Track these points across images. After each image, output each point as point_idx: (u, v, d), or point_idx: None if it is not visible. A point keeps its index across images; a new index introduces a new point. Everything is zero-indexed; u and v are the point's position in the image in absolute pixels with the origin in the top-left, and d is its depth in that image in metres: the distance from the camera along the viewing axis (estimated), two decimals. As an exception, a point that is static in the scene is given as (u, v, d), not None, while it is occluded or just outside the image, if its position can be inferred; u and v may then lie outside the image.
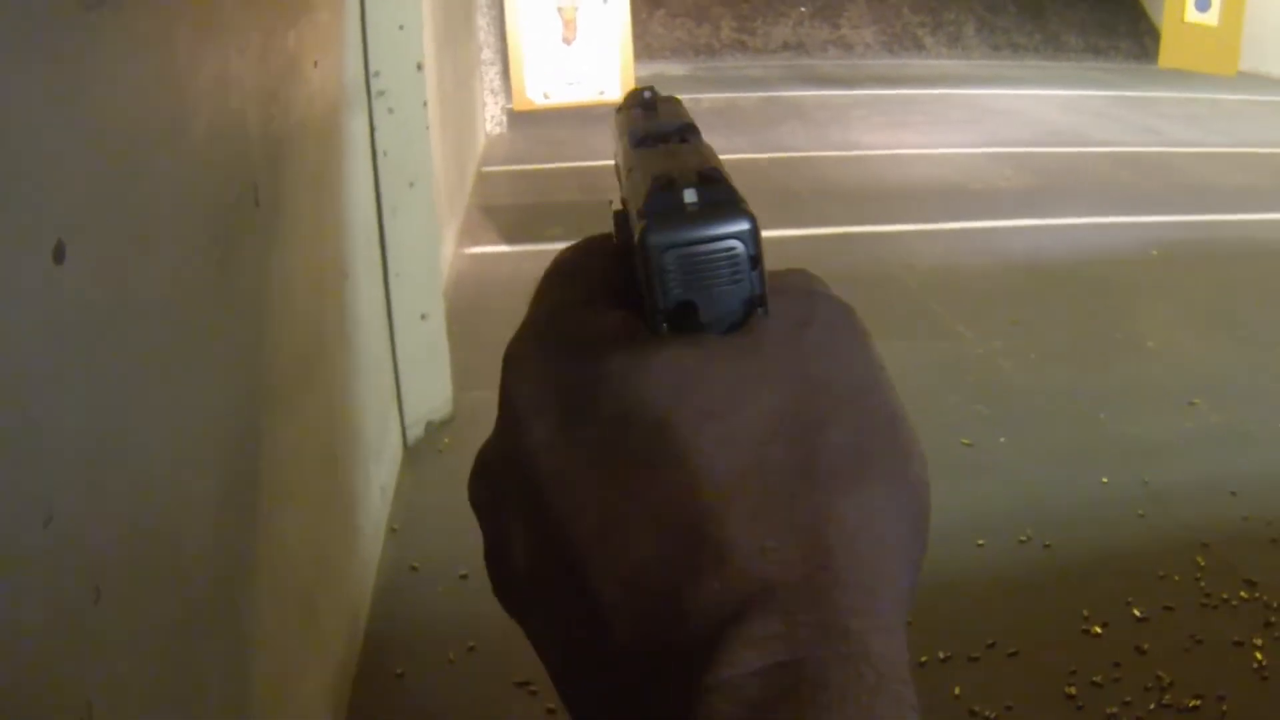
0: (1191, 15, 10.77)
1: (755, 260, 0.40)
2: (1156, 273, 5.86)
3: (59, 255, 1.00)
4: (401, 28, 3.32)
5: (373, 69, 3.27)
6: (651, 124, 0.53)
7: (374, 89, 3.28)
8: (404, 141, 3.38)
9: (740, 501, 0.39)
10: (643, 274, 0.40)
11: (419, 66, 3.40)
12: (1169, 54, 10.89)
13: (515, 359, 0.47)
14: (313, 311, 2.32)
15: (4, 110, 0.93)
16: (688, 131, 0.51)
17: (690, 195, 0.40)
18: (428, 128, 3.49)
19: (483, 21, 9.31)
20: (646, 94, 0.55)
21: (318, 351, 2.38)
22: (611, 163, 0.57)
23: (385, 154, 3.34)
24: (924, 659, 2.62)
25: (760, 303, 0.41)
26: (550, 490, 0.42)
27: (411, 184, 3.43)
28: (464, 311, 4.61)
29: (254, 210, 1.75)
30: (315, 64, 2.35)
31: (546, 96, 6.43)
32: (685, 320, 0.41)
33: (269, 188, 1.84)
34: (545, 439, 0.43)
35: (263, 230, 1.82)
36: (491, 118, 9.54)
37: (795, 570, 0.37)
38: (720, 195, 0.40)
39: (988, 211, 6.97)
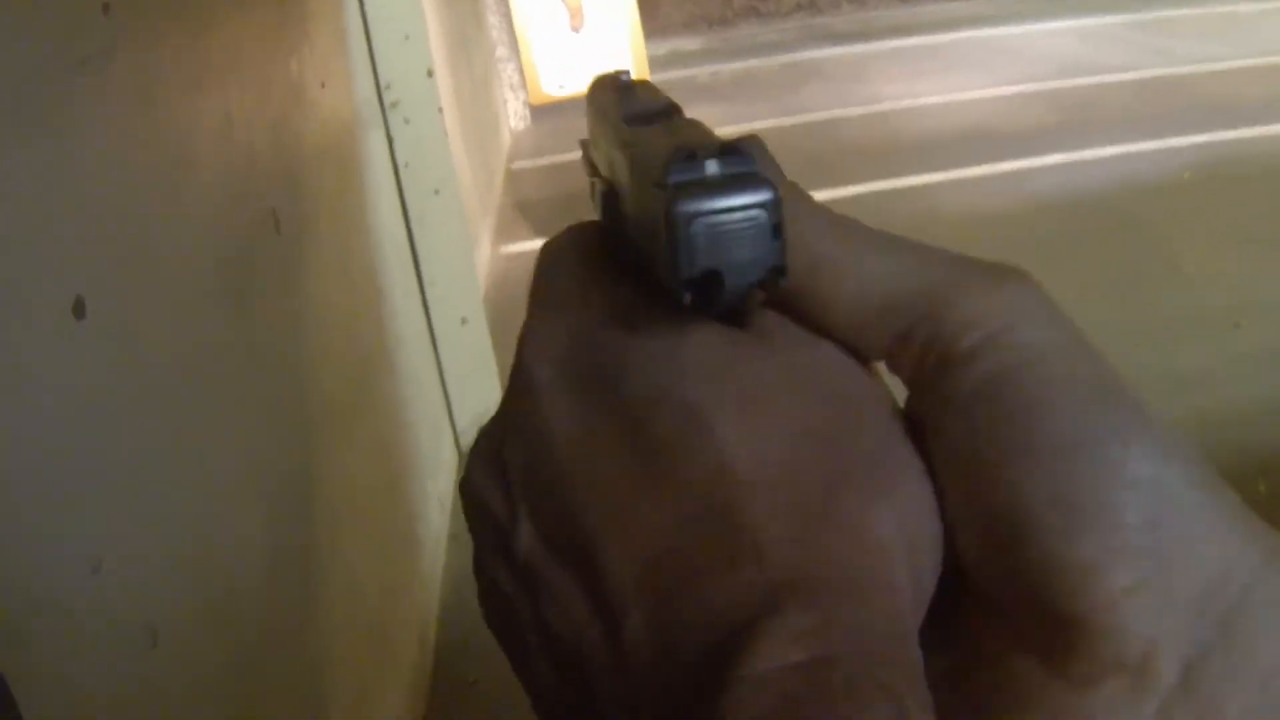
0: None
1: (778, 230, 0.41)
2: (1189, 196, 5.79)
3: (79, 311, 1.01)
4: (407, 37, 3.33)
5: (383, 82, 3.27)
6: (638, 105, 0.53)
7: (387, 101, 3.29)
8: (423, 150, 3.39)
9: (774, 494, 0.39)
10: (666, 244, 0.41)
11: (430, 73, 3.40)
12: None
13: (531, 339, 0.47)
14: (352, 333, 2.33)
15: (9, 172, 0.94)
16: (674, 111, 0.52)
17: (713, 166, 0.41)
18: (446, 134, 3.50)
19: (494, 19, 9.30)
20: (624, 77, 0.56)
21: (362, 373, 2.39)
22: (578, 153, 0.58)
23: (406, 165, 3.35)
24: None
25: (782, 273, 0.41)
26: (569, 469, 0.42)
27: (436, 191, 3.44)
28: (506, 311, 4.61)
29: (276, 239, 1.76)
30: (323, 85, 2.36)
31: (562, 88, 6.43)
32: (708, 290, 0.42)
33: (289, 214, 1.85)
34: (566, 417, 0.43)
35: (288, 258, 1.83)
36: (515, 113, 9.54)
37: (830, 567, 0.37)
38: (742, 166, 0.41)
39: (1013, 152, 6.91)
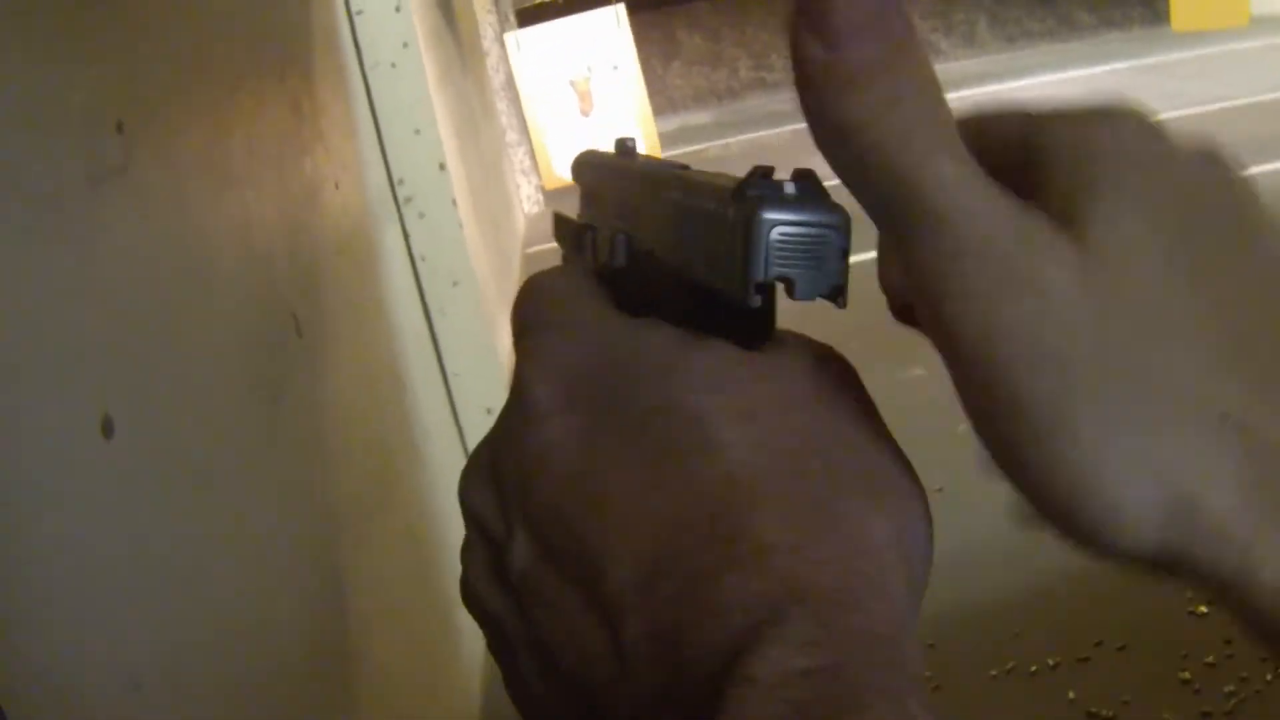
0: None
1: (845, 253, 0.42)
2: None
3: (108, 430, 1.02)
4: (418, 132, 3.36)
5: (396, 178, 3.30)
6: (651, 163, 0.55)
7: (401, 197, 3.31)
8: (439, 243, 3.41)
9: (775, 501, 0.39)
10: (741, 249, 0.43)
11: (442, 166, 3.43)
12: (1181, 17, 10.88)
13: (528, 357, 0.48)
14: (376, 430, 2.34)
15: (31, 295, 0.95)
16: (687, 167, 0.53)
17: (790, 186, 0.43)
18: (461, 225, 3.52)
19: (502, 105, 9.39)
20: (629, 142, 0.58)
21: (388, 470, 2.40)
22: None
23: (423, 259, 3.37)
24: (1034, 668, 2.59)
25: (842, 292, 0.43)
26: (569, 480, 0.42)
27: (455, 283, 3.46)
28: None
29: (298, 342, 1.77)
30: (337, 185, 2.38)
31: (574, 170, 6.46)
32: (769, 301, 0.43)
33: (309, 316, 1.86)
34: (565, 430, 0.44)
35: (310, 360, 1.84)
36: (528, 197, 9.61)
37: (831, 574, 0.37)
38: (816, 189, 0.43)
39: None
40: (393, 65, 3.30)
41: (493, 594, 0.45)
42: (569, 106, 6.66)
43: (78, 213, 1.07)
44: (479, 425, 3.55)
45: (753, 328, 0.44)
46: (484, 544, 0.46)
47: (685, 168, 0.51)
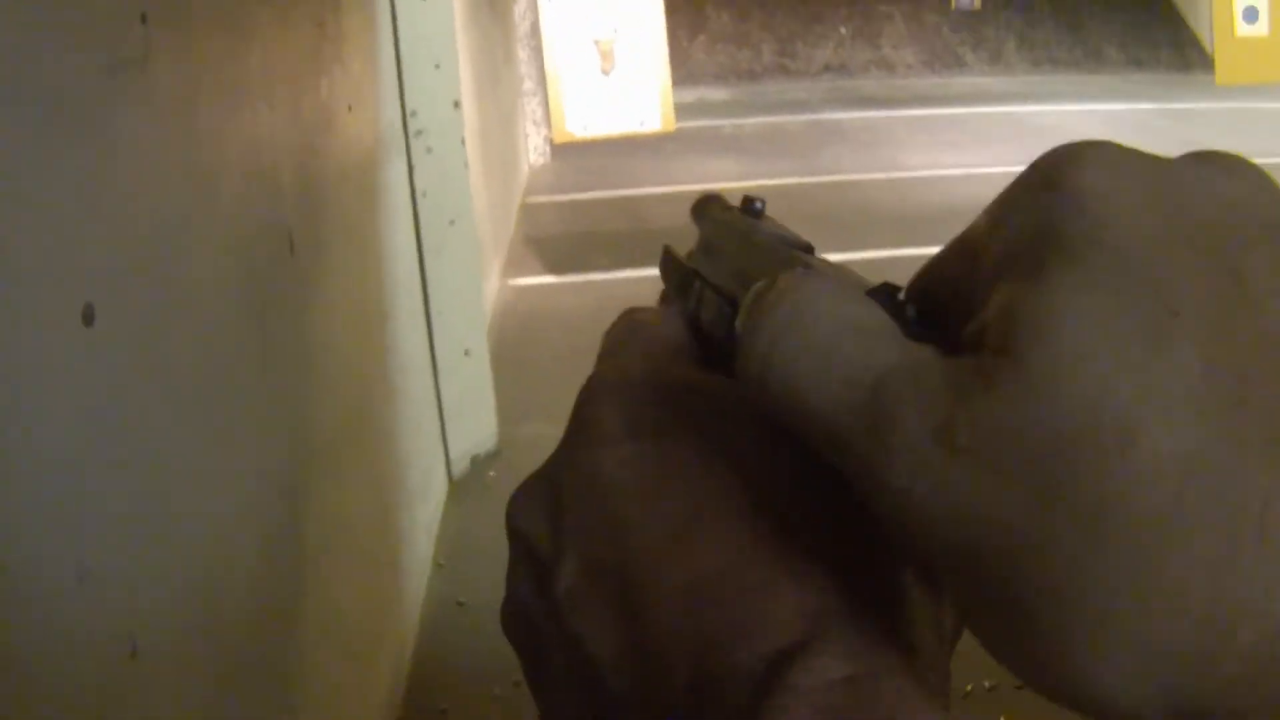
0: (1242, 29, 10.73)
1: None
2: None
3: (88, 318, 1.02)
4: (438, 66, 3.35)
5: (410, 109, 3.29)
6: (777, 232, 0.55)
7: (411, 129, 3.30)
8: (443, 180, 3.40)
9: (811, 531, 0.41)
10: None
11: (456, 104, 3.42)
12: (1225, 71, 10.83)
13: (596, 385, 0.48)
14: (356, 358, 2.33)
15: (30, 180, 0.94)
16: (811, 249, 0.53)
17: (911, 310, 0.42)
18: (466, 165, 3.51)
19: (523, 54, 9.35)
20: (757, 204, 0.58)
21: (363, 401, 2.40)
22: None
23: (424, 194, 3.36)
24: (969, 688, 2.60)
25: None
26: (622, 500, 0.43)
27: (452, 222, 3.45)
28: (510, 344, 4.63)
29: (290, 260, 1.76)
30: (350, 109, 2.37)
31: (586, 128, 6.45)
32: None
33: (306, 236, 1.86)
34: (623, 461, 0.45)
35: (300, 281, 1.84)
36: (535, 148, 9.59)
37: (869, 586, 0.39)
38: (934, 318, 0.42)
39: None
40: (419, -1, 3.29)
41: (536, 612, 0.46)
42: (590, 63, 6.60)
43: (91, 102, 1.07)
44: (455, 367, 3.55)
45: None
46: (529, 564, 0.47)
47: (810, 249, 0.51)
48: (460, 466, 3.62)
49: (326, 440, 1.95)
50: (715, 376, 0.47)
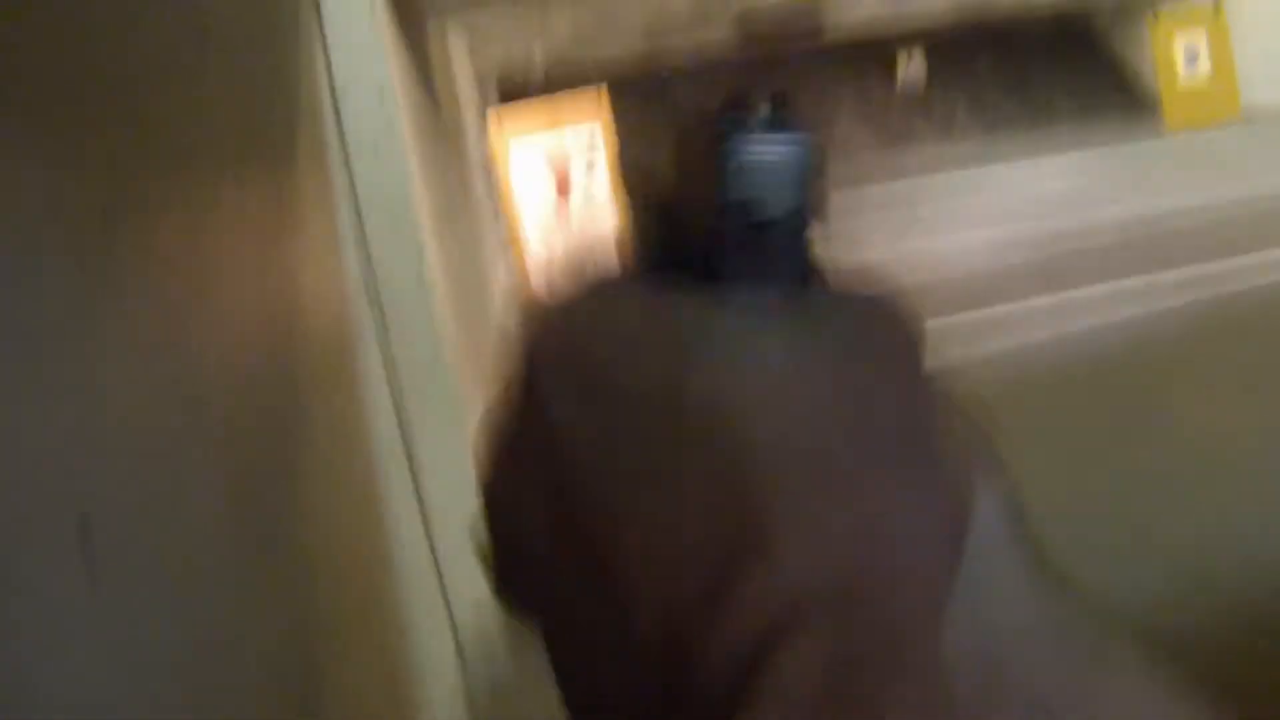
0: (1184, 76, 10.94)
1: (813, 171, 0.45)
2: (1184, 339, 5.82)
3: (85, 532, 1.01)
4: (397, 216, 3.36)
5: (375, 259, 3.30)
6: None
7: (379, 280, 3.31)
8: (414, 329, 3.40)
9: (795, 491, 0.40)
10: (717, 175, 0.45)
11: (419, 250, 3.43)
12: (1173, 117, 11.07)
13: (540, 351, 0.48)
14: (350, 532, 2.32)
15: (24, 398, 0.94)
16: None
17: (761, 112, 0.45)
18: (436, 311, 3.52)
19: (480, 181, 9.44)
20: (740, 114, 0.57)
21: (364, 577, 2.38)
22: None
23: (398, 345, 3.36)
24: None
25: (803, 211, 0.45)
26: (586, 470, 0.43)
27: (429, 369, 3.45)
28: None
29: (279, 446, 1.76)
30: (314, 273, 2.38)
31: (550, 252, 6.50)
32: (745, 218, 0.46)
33: (288, 418, 1.85)
34: (578, 418, 0.44)
35: (290, 466, 1.83)
36: (503, 273, 9.65)
37: (850, 568, 0.39)
38: (785, 114, 0.45)
39: (999, 298, 6.97)
40: (375, 149, 3.30)
41: (521, 578, 0.47)
42: (545, 184, 6.70)
43: (64, 312, 1.07)
44: (446, 525, 3.52)
45: (787, 269, 0.45)
46: (507, 533, 0.48)
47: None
48: (466, 632, 3.59)
49: (330, 622, 1.93)
50: (660, 294, 0.47)
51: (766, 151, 0.44)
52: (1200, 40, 11.13)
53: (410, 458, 3.40)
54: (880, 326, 0.44)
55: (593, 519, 0.42)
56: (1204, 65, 10.94)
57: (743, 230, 0.45)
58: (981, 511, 0.43)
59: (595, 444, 0.43)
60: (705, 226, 0.45)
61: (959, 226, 9.87)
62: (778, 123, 0.45)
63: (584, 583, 0.42)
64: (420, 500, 3.43)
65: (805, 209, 0.44)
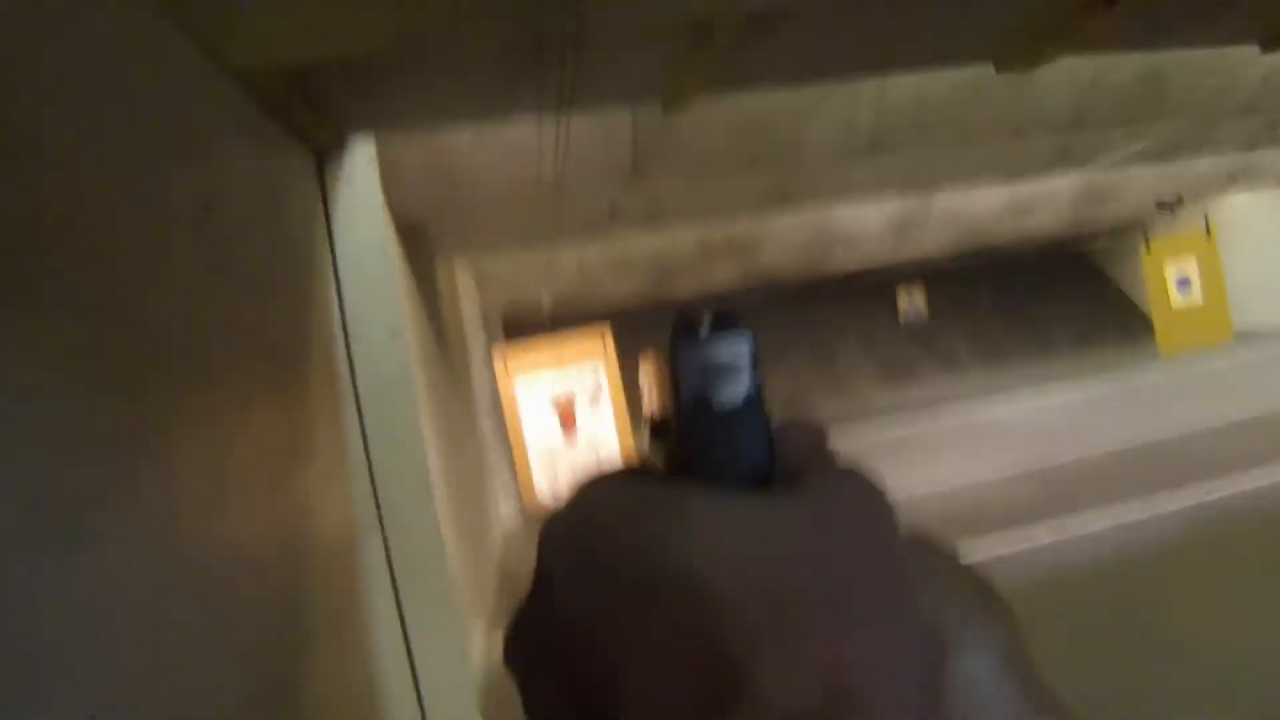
0: (1177, 301, 11.03)
1: (754, 362, 0.52)
2: (1187, 560, 5.80)
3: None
4: (405, 450, 3.41)
5: (381, 493, 3.34)
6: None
7: (385, 510, 3.34)
8: (419, 559, 3.42)
9: (769, 635, 0.46)
10: (677, 379, 0.52)
11: (426, 486, 3.47)
12: (1167, 343, 11.11)
13: (548, 536, 0.54)
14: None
15: (35, 605, 0.98)
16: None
17: (705, 320, 0.53)
18: (442, 543, 3.54)
19: (486, 422, 9.45)
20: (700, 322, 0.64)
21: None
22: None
23: (403, 573, 3.37)
24: None
25: (759, 394, 0.52)
26: (583, 644, 0.49)
27: (433, 598, 3.46)
28: (504, 700, 4.57)
29: (287, 662, 1.77)
30: (323, 495, 2.41)
31: (556, 489, 6.49)
32: (703, 409, 0.53)
33: (296, 634, 1.87)
34: (576, 597, 0.50)
35: (293, 664, 1.84)
36: (507, 516, 9.59)
37: (829, 694, 0.43)
38: (726, 322, 0.53)
39: (1000, 528, 6.95)
40: (385, 388, 3.37)
41: None
42: (551, 425, 6.73)
43: (86, 530, 1.11)
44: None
45: (754, 450, 0.52)
46: (530, 705, 0.53)
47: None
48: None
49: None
50: (655, 487, 0.53)
51: (715, 352, 0.52)
52: (1192, 267, 11.27)
53: (416, 685, 3.38)
54: (851, 496, 0.50)
55: (595, 686, 0.48)
56: (1196, 290, 11.04)
57: (707, 422, 0.52)
58: (974, 657, 0.49)
59: (590, 616, 0.49)
60: (677, 428, 0.53)
61: (962, 455, 9.85)
62: (721, 327, 0.53)
63: None
64: (422, 709, 3.39)
65: (760, 395, 0.52)
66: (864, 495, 0.51)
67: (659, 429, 0.59)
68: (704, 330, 0.52)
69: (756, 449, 0.53)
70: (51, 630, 1.02)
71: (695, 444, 0.52)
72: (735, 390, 0.52)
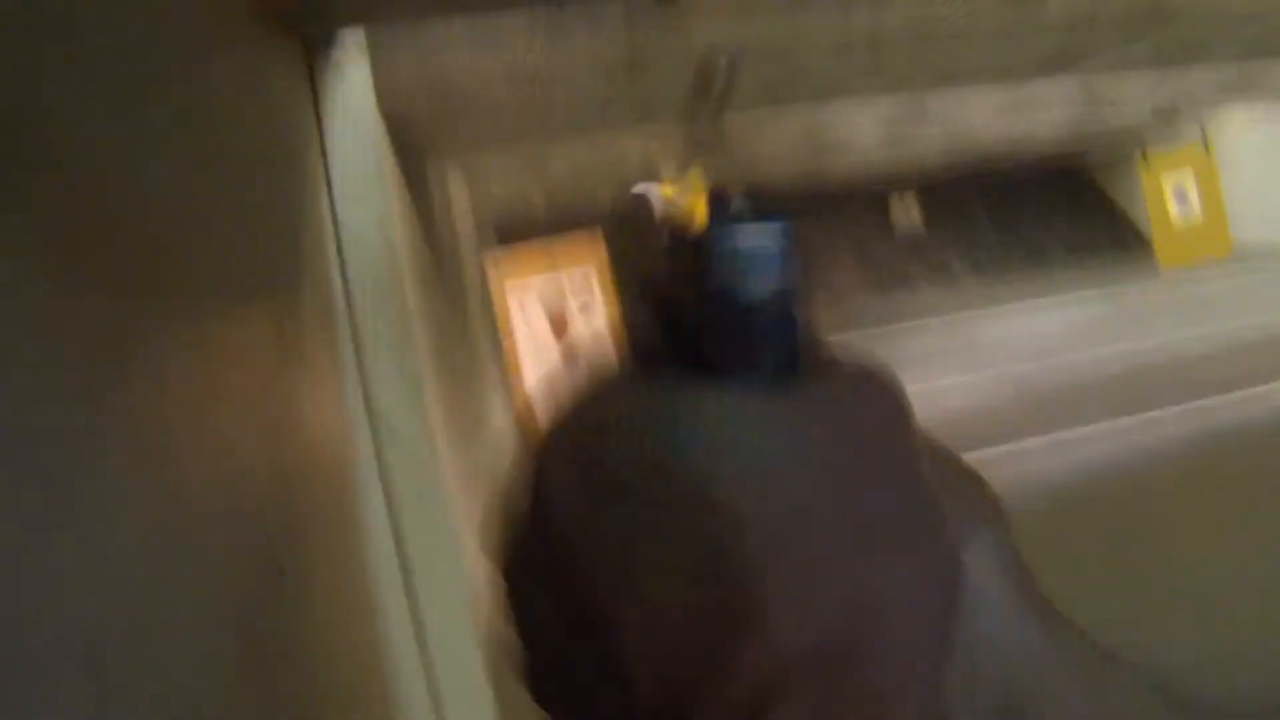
0: (1176, 216, 11.07)
1: (788, 254, 0.47)
2: (1181, 475, 5.82)
3: (98, 672, 1.00)
4: (396, 350, 3.37)
5: (372, 395, 3.30)
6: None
7: (376, 414, 3.31)
8: (412, 462, 3.40)
9: (783, 568, 0.42)
10: (701, 264, 0.48)
11: (418, 386, 3.43)
12: (1166, 256, 11.17)
13: (547, 450, 0.50)
14: (347, 670, 2.30)
15: (23, 541, 0.93)
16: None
17: (739, 202, 0.48)
18: (434, 446, 3.52)
19: (478, 323, 9.48)
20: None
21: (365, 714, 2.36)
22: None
23: (396, 478, 3.35)
24: None
25: (786, 294, 0.47)
26: (586, 557, 0.45)
27: (425, 503, 3.44)
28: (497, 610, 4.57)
29: (280, 581, 1.74)
30: (315, 405, 2.38)
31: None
32: (731, 304, 0.48)
33: (291, 551, 1.84)
34: (579, 511, 0.46)
35: (291, 598, 1.82)
36: (499, 413, 9.65)
37: (835, 638, 0.40)
38: (763, 204, 0.48)
39: (998, 439, 6.98)
40: (376, 281, 3.33)
41: (545, 671, 0.49)
42: (543, 328, 6.74)
43: (69, 441, 1.07)
44: (448, 661, 3.48)
45: (776, 351, 0.47)
46: (526, 622, 0.49)
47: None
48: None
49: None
50: (655, 387, 0.49)
51: (747, 239, 0.47)
52: (1190, 180, 11.25)
53: (408, 586, 3.38)
54: (869, 399, 0.46)
55: (595, 601, 0.44)
56: (1194, 205, 11.05)
57: (729, 316, 0.46)
58: (973, 558, 0.45)
59: (593, 531, 0.45)
60: (694, 316, 0.47)
61: (956, 369, 9.90)
62: (755, 212, 0.47)
63: (592, 663, 0.44)
64: (418, 627, 3.40)
65: (789, 291, 0.46)
66: (884, 398, 0.47)
67: (659, 308, 0.54)
68: (736, 210, 0.47)
69: (778, 351, 0.48)
70: (39, 550, 0.98)
71: (714, 337, 0.47)
72: (763, 283, 0.46)
